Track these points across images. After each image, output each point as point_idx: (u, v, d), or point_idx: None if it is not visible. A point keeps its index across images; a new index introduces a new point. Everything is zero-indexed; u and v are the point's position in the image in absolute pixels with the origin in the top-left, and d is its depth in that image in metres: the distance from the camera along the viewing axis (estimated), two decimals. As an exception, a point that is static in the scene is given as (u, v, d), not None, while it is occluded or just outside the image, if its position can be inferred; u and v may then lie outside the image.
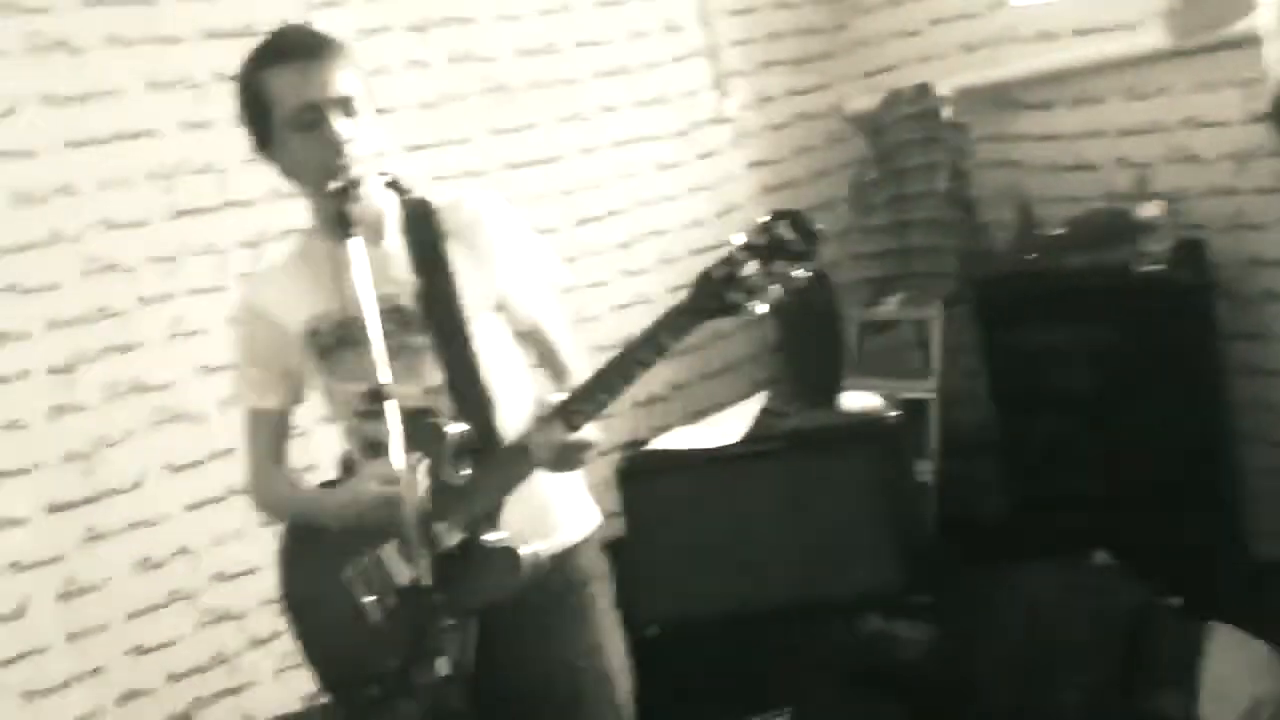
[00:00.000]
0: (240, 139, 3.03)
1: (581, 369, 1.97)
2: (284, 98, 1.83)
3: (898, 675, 3.28)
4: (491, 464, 1.86)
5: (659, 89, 3.85)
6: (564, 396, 1.78)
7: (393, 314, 1.88)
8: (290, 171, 1.91)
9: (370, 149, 1.87)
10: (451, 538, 1.82)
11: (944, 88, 3.68)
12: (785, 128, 4.13)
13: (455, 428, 1.85)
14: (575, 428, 1.76)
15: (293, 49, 1.85)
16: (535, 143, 3.60)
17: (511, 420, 1.94)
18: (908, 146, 3.77)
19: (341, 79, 1.83)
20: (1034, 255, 3.48)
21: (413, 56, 3.35)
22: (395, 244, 1.94)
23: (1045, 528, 3.32)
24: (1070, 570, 3.11)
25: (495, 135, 3.52)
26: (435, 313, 1.90)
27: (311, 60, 1.83)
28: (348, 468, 2.08)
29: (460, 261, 1.92)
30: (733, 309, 1.67)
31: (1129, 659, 2.82)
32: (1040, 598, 3.03)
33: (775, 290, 1.66)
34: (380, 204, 1.95)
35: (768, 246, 1.64)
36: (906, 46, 4.03)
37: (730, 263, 1.65)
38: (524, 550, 1.83)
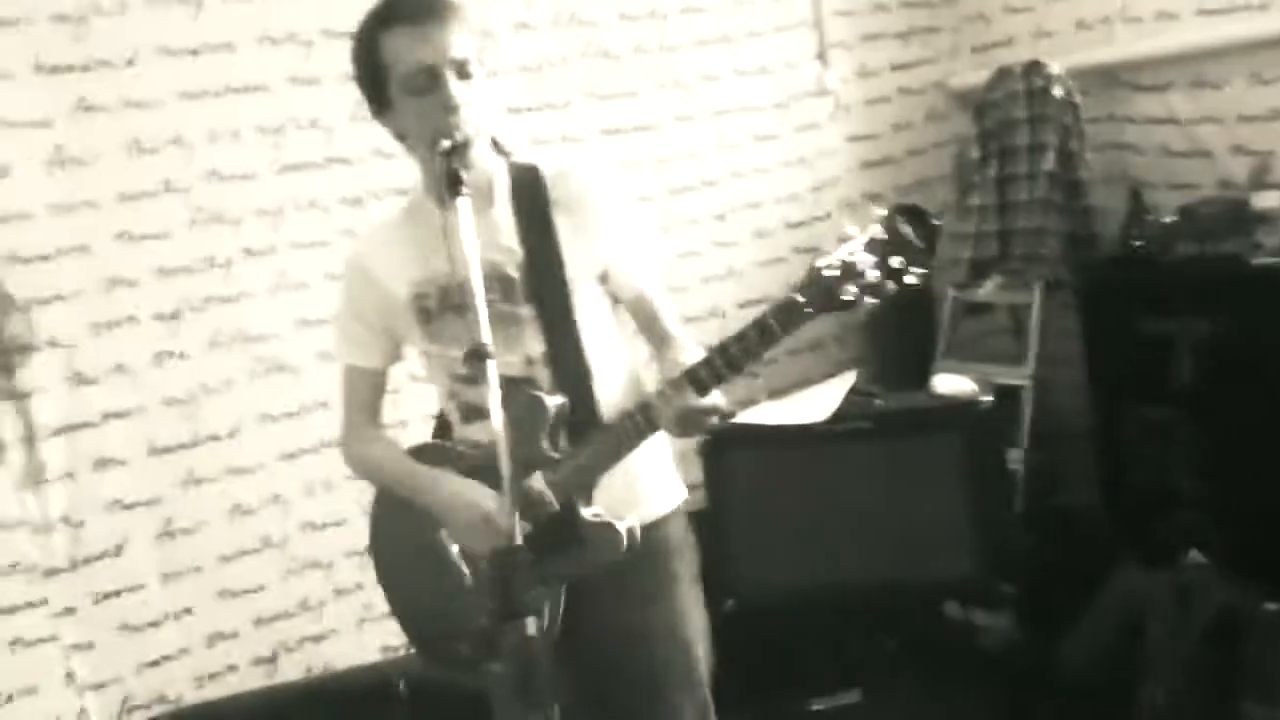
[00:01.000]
0: (347, 96, 3.10)
1: (684, 336, 1.97)
2: (400, 60, 1.83)
3: (977, 664, 3.24)
4: (589, 438, 1.87)
5: (760, 59, 3.80)
6: (691, 362, 1.76)
7: (498, 281, 1.89)
8: (403, 133, 1.91)
9: (483, 113, 1.86)
10: (546, 508, 1.83)
11: (1055, 66, 3.57)
12: (886, 102, 4.06)
13: (554, 400, 1.85)
14: (703, 392, 1.75)
15: (410, 10, 1.84)
16: (634, 109, 3.58)
17: (608, 392, 1.94)
18: (1014, 125, 3.66)
19: (457, 41, 1.82)
20: (1142, 243, 3.38)
21: (517, 19, 3.35)
22: (504, 211, 1.93)
23: (1139, 523, 3.24)
24: (1163, 568, 3.03)
25: (595, 100, 3.51)
26: (540, 284, 1.90)
27: (428, 22, 1.82)
28: (443, 430, 2.11)
29: (565, 231, 1.92)
30: (846, 305, 1.63)
31: (1221, 662, 2.74)
32: (1130, 595, 2.96)
33: (890, 287, 1.62)
34: (490, 169, 1.94)
35: (889, 243, 1.59)
36: (1018, 22, 3.93)
37: (847, 257, 1.61)
38: (622, 526, 1.84)
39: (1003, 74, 3.71)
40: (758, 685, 3.10)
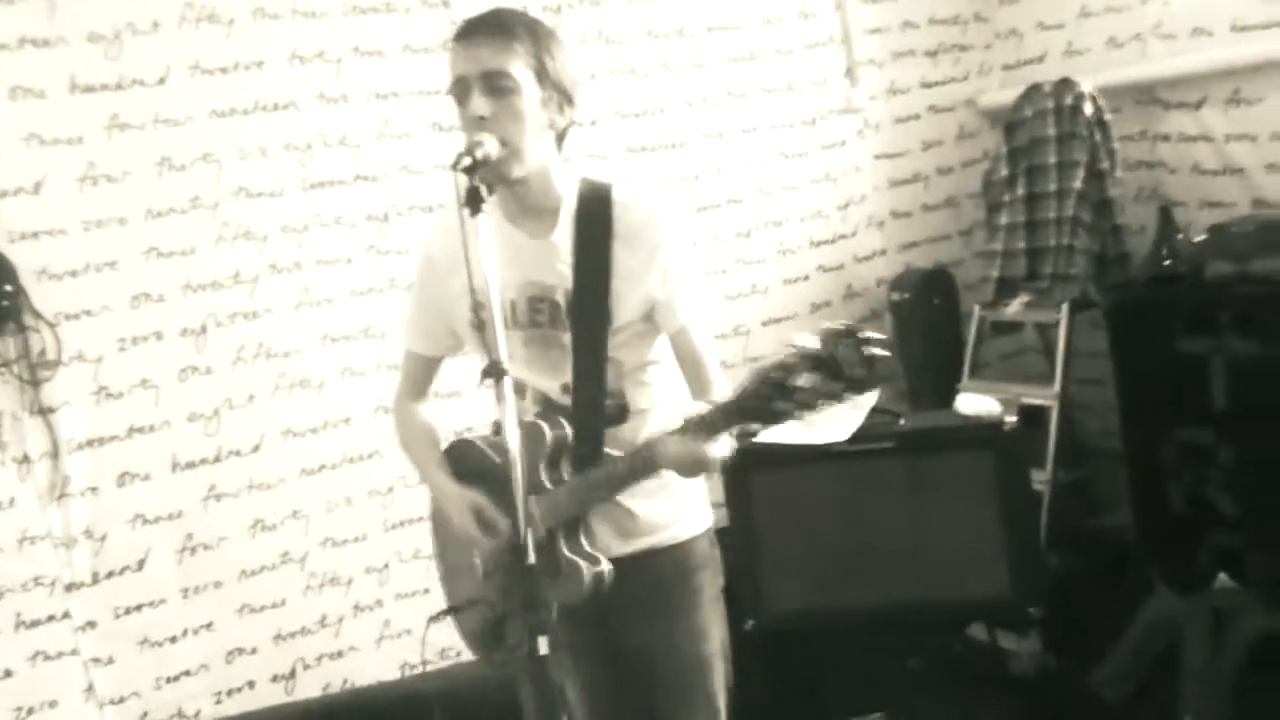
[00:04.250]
0: (374, 114, 3.15)
1: (722, 384, 1.96)
2: (450, 72, 1.87)
3: (1003, 688, 3.19)
4: (588, 473, 1.88)
5: (788, 76, 3.79)
6: (700, 410, 1.75)
7: (547, 305, 1.92)
8: None
9: (522, 131, 1.83)
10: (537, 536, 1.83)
11: (1086, 83, 3.53)
12: (915, 120, 4.04)
13: (555, 431, 1.88)
14: (706, 440, 1.74)
15: (471, 27, 1.86)
16: (661, 127, 3.58)
17: (644, 429, 1.95)
18: (1044, 143, 3.63)
19: (494, 57, 1.82)
20: (1173, 262, 3.33)
21: (544, 37, 3.35)
22: (565, 237, 1.93)
23: (1173, 547, 3.18)
24: (1193, 592, 2.97)
25: (622, 118, 3.51)
26: (580, 313, 1.91)
27: (473, 36, 1.84)
28: (496, 430, 2.11)
29: (621, 264, 1.91)
30: (775, 417, 1.58)
31: (1261, 691, 2.68)
32: (1165, 621, 2.90)
33: (826, 406, 1.55)
34: (560, 192, 1.94)
35: (828, 361, 1.51)
36: (1049, 39, 3.89)
37: (786, 369, 1.55)
38: (589, 571, 1.85)
39: (1033, 91, 3.68)
40: (779, 705, 3.07)
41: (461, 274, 1.89)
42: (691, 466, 1.77)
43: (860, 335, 1.50)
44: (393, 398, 2.20)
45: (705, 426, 1.70)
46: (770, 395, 1.56)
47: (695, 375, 2.00)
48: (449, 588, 2.17)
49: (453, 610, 2.11)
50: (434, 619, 2.08)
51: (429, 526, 2.22)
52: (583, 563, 1.87)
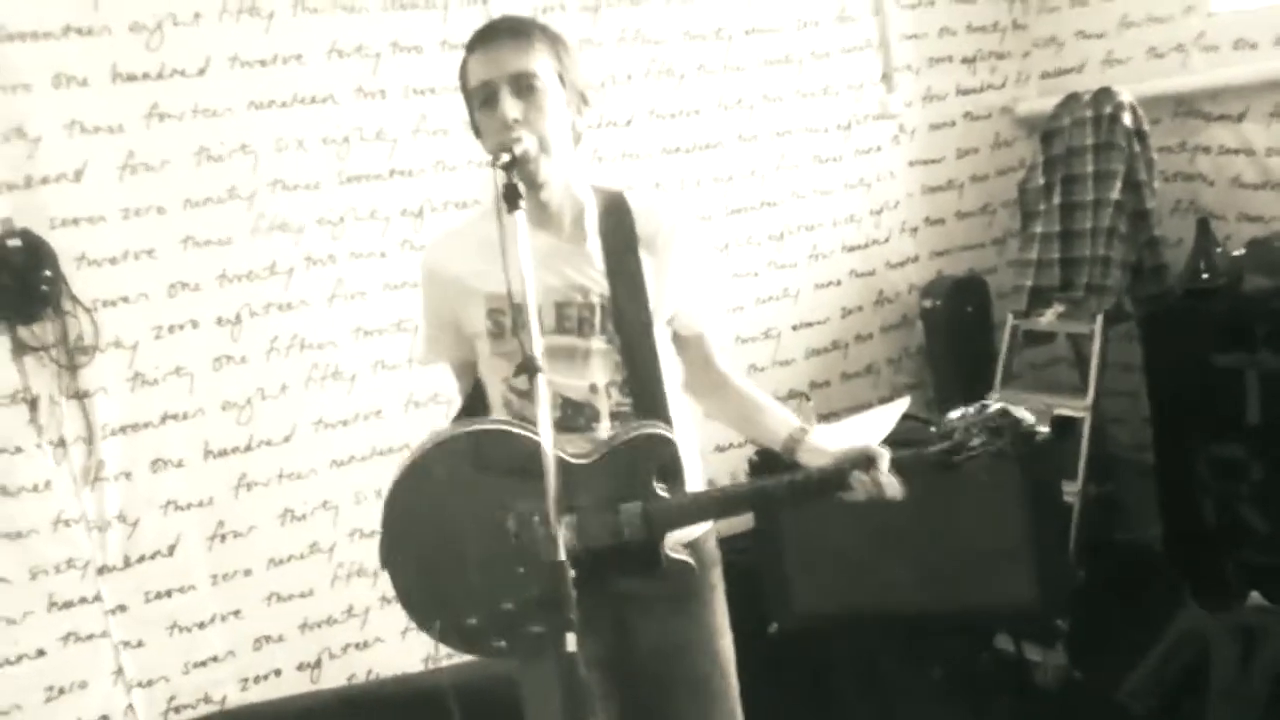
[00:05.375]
0: (411, 110, 3.16)
1: (749, 382, 2.08)
2: (472, 79, 1.88)
3: (1027, 700, 3.17)
4: (744, 484, 1.98)
5: (825, 80, 3.78)
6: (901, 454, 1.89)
7: (577, 310, 1.92)
8: (484, 150, 1.92)
9: (550, 132, 1.85)
10: (631, 535, 1.86)
11: (1125, 93, 3.51)
12: (950, 127, 4.02)
13: (664, 443, 1.89)
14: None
15: (489, 33, 1.88)
16: (696, 128, 3.58)
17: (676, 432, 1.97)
18: (1081, 152, 3.60)
19: (520, 58, 1.84)
20: (1209, 275, 3.30)
21: (583, 35, 3.37)
22: (595, 245, 1.95)
23: (1203, 562, 3.15)
24: (1224, 609, 2.94)
25: (657, 119, 3.51)
26: (623, 318, 1.92)
27: (496, 40, 1.86)
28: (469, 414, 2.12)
29: (647, 269, 1.94)
30: (949, 468, 1.89)
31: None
32: (1194, 636, 2.87)
33: (974, 458, 1.88)
34: (581, 200, 1.96)
35: (997, 431, 1.87)
36: (1089, 48, 3.87)
37: (966, 431, 1.87)
38: (670, 554, 1.88)
39: (1071, 100, 3.66)
40: (800, 710, 3.06)
41: (476, 280, 1.92)
42: (873, 494, 1.87)
43: (1020, 421, 1.87)
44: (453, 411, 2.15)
45: (905, 467, 1.87)
46: (952, 453, 1.89)
47: (704, 378, 2.05)
48: (429, 591, 2.03)
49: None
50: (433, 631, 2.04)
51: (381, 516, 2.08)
52: (692, 560, 1.93)
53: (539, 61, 1.86)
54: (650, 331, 1.94)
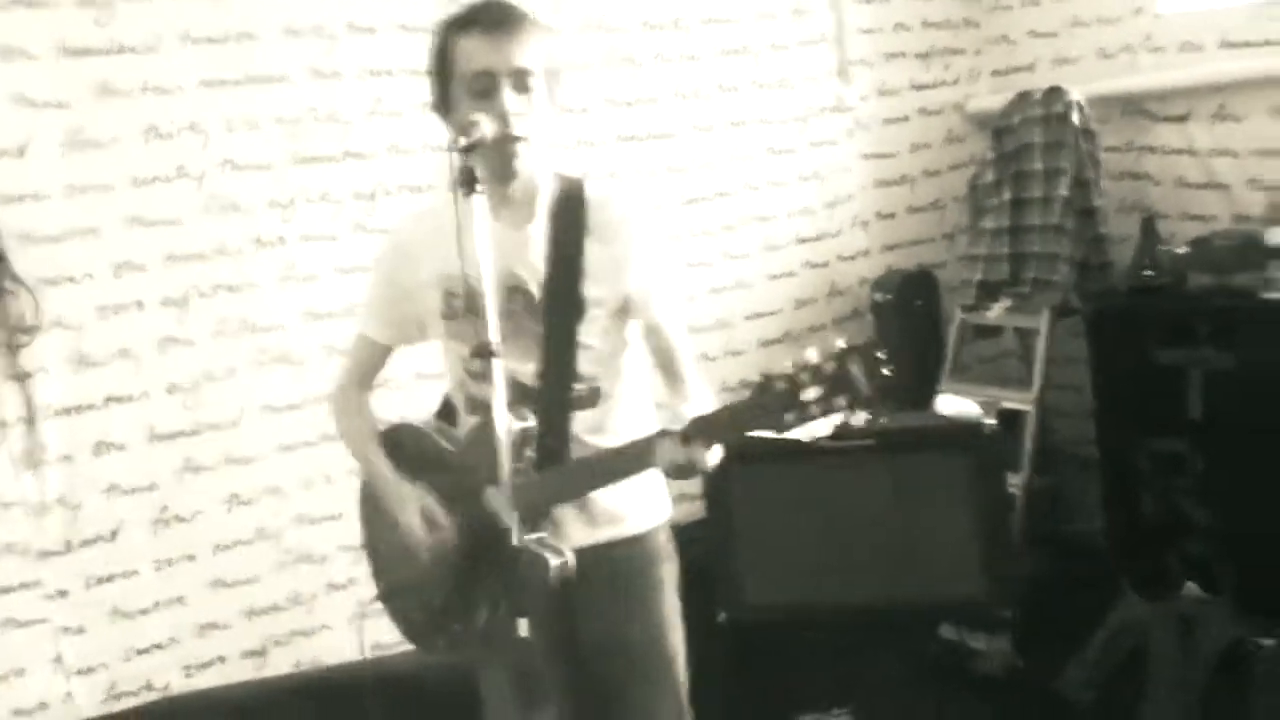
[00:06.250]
0: (367, 92, 3.13)
1: (695, 377, 2.01)
2: (465, 63, 1.85)
3: (972, 688, 3.22)
4: (568, 465, 1.90)
5: (781, 72, 3.79)
6: (702, 414, 1.74)
7: (520, 295, 1.92)
8: (449, 128, 1.91)
9: (538, 127, 1.87)
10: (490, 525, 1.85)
11: (1075, 92, 3.56)
12: (904, 121, 4.06)
13: (520, 421, 1.86)
14: (706, 445, 1.73)
15: (484, 18, 1.86)
16: (652, 117, 3.58)
17: (615, 422, 1.97)
18: (1031, 150, 3.66)
19: (521, 53, 1.84)
20: (1154, 272, 3.37)
21: (544, 22, 3.34)
22: (540, 230, 1.95)
23: (1143, 553, 3.22)
24: (1162, 599, 3.01)
25: (613, 106, 3.51)
26: (552, 305, 1.92)
27: (498, 30, 1.84)
28: (445, 413, 2.13)
29: (594, 259, 1.93)
30: (780, 428, 1.58)
31: (1227, 698, 2.72)
32: (1133, 625, 2.94)
33: (825, 422, 1.57)
34: (539, 184, 1.96)
35: (834, 378, 1.53)
36: (1040, 47, 3.92)
37: (794, 381, 1.55)
38: (554, 561, 1.75)
39: (1022, 98, 3.71)
40: (746, 699, 3.08)
41: (434, 260, 1.93)
42: (685, 470, 1.75)
43: (873, 355, 1.51)
44: (334, 384, 2.17)
45: (708, 431, 1.70)
46: (779, 407, 1.57)
47: (668, 369, 2.04)
48: (385, 577, 2.15)
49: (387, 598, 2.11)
50: (362, 615, 2.08)
51: (359, 514, 2.20)
52: (548, 554, 1.77)
53: (536, 55, 1.86)
54: (573, 324, 1.92)
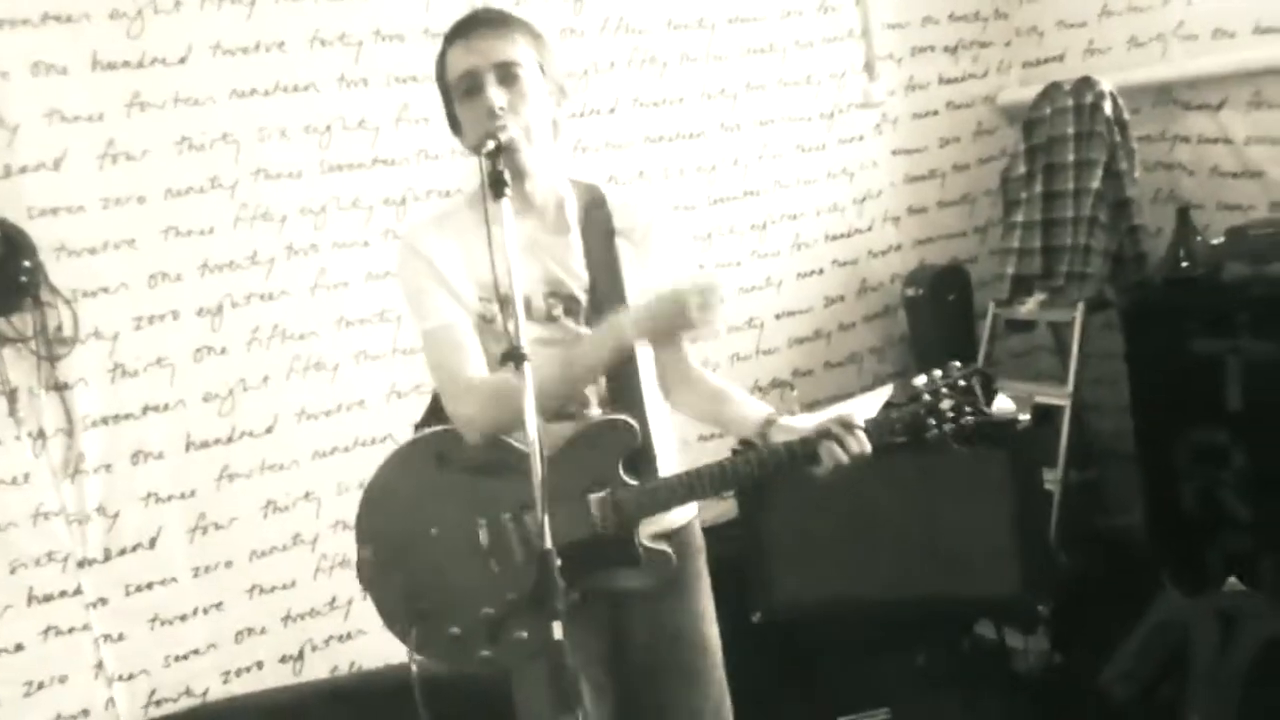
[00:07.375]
0: (394, 98, 3.15)
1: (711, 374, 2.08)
2: (452, 70, 1.89)
3: (1009, 686, 3.19)
4: (651, 468, 1.91)
5: (807, 69, 3.78)
6: (845, 418, 1.86)
7: (563, 301, 1.93)
8: (465, 142, 1.93)
9: (534, 119, 1.87)
10: (605, 526, 1.86)
11: (1106, 82, 3.52)
12: (933, 116, 4.03)
13: (626, 430, 1.89)
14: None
15: (467, 26, 1.90)
16: (679, 117, 3.58)
17: (653, 420, 1.97)
18: (1062, 141, 3.62)
19: (502, 48, 1.86)
20: (1190, 263, 3.32)
21: (565, 24, 3.36)
22: (576, 236, 1.96)
23: (1183, 548, 3.18)
24: (1203, 594, 2.97)
25: (640, 107, 3.51)
26: (604, 309, 1.91)
27: (476, 32, 1.87)
28: (434, 414, 2.06)
29: (625, 261, 1.96)
30: (921, 434, 1.88)
31: (1270, 696, 2.68)
32: (1173, 622, 2.90)
33: (950, 430, 1.88)
34: (561, 192, 1.97)
35: (962, 392, 1.86)
36: (1070, 38, 3.88)
37: (935, 394, 1.86)
38: (646, 544, 1.89)
39: (1052, 90, 3.67)
40: (784, 697, 3.07)
41: (465, 264, 1.91)
42: (840, 459, 1.83)
43: (988, 375, 1.86)
44: (452, 405, 1.92)
45: (878, 433, 1.85)
46: (926, 413, 1.87)
47: (676, 369, 2.06)
48: (409, 604, 1.99)
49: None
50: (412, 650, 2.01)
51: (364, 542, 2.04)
52: (669, 549, 1.92)
53: (521, 51, 1.89)
54: None
